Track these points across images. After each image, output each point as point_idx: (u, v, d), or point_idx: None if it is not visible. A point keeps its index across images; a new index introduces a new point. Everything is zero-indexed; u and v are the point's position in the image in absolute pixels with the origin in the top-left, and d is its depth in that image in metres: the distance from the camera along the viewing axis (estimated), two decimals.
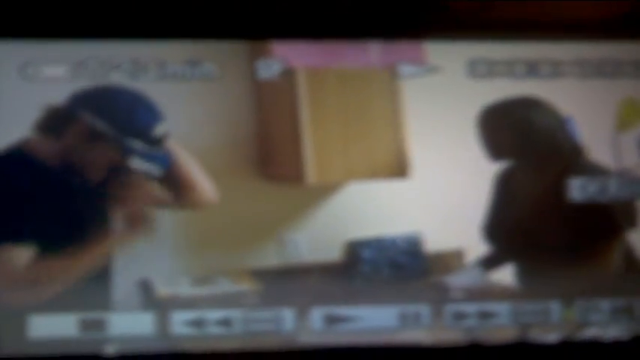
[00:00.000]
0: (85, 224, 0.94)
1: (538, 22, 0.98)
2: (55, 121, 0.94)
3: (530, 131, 1.00)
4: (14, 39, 0.95)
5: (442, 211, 0.99)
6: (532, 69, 1.00)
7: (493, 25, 0.98)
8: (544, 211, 0.99)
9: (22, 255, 0.91)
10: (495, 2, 0.96)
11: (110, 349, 0.94)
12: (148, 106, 0.94)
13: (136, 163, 0.93)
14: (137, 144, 0.92)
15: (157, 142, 0.93)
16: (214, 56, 0.97)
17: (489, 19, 0.97)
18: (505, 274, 1.01)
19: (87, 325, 0.93)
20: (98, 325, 0.94)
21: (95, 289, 0.94)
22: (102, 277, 0.95)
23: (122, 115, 0.93)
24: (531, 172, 1.01)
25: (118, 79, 0.95)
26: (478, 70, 1.00)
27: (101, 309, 0.94)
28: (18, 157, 0.94)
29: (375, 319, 0.97)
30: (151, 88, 0.95)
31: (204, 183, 0.96)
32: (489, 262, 1.01)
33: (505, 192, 1.00)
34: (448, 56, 0.99)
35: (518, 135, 1.00)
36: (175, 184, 0.96)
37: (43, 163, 0.94)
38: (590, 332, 0.99)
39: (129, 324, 0.94)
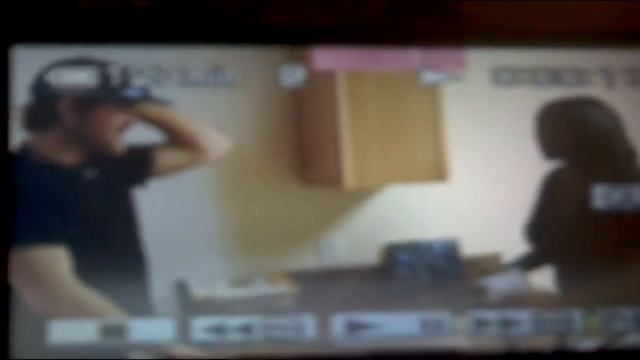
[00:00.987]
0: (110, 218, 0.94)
1: (562, 30, 0.99)
2: (37, 115, 0.94)
3: (584, 131, 1.01)
4: (37, 44, 0.95)
5: (479, 216, 0.99)
6: (556, 77, 1.01)
7: (518, 33, 0.98)
8: (588, 214, 1.00)
9: (60, 258, 0.91)
10: (519, 11, 0.97)
11: (133, 356, 0.94)
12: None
13: (143, 108, 0.94)
14: (131, 91, 0.93)
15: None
16: (236, 63, 0.98)
17: (514, 28, 0.98)
18: (545, 279, 1.01)
19: (108, 332, 0.93)
20: (119, 331, 0.93)
21: (134, 290, 0.95)
22: (140, 277, 0.95)
23: (99, 72, 0.94)
24: (582, 173, 1.01)
25: (140, 85, 0.96)
26: (502, 77, 1.00)
27: (139, 311, 0.94)
28: (26, 158, 0.94)
29: (396, 326, 0.97)
30: (174, 94, 0.96)
31: (211, 136, 0.96)
32: (528, 263, 1.00)
33: (552, 192, 1.00)
34: (474, 63, 1.00)
35: (573, 134, 1.01)
36: (185, 144, 0.96)
37: (53, 160, 0.94)
38: (627, 341, 0.99)
39: (150, 330, 0.94)
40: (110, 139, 0.95)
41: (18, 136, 0.94)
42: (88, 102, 0.94)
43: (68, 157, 0.94)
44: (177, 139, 0.96)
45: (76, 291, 0.92)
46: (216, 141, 0.96)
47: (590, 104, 1.00)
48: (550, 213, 1.00)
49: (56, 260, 0.91)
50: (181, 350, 0.94)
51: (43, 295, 0.92)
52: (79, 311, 0.93)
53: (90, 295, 0.92)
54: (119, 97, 0.95)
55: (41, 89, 0.94)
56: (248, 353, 0.95)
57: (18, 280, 0.92)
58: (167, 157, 0.96)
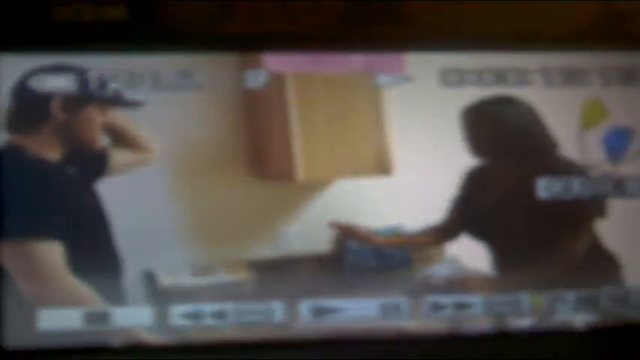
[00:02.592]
0: (90, 212, 1.02)
1: (505, 33, 1.04)
2: (25, 116, 1.01)
3: (503, 128, 1.07)
4: (21, 51, 1.01)
5: (423, 206, 1.05)
6: (500, 77, 1.07)
7: (463, 36, 1.05)
8: (516, 202, 1.06)
9: (54, 251, 0.99)
10: (465, 14, 1.03)
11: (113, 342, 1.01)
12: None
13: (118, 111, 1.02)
14: (106, 92, 1.01)
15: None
16: (204, 68, 1.04)
17: (460, 32, 1.04)
18: (482, 264, 1.07)
19: (91, 318, 1.01)
20: (101, 318, 1.01)
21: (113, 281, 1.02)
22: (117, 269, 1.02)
23: (77, 77, 1.01)
24: (507, 167, 1.07)
25: (117, 88, 1.03)
26: (450, 78, 1.07)
27: (118, 300, 1.02)
28: (10, 155, 1.00)
29: (358, 310, 1.04)
30: (146, 97, 1.03)
31: (146, 139, 1.03)
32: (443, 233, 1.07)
33: (478, 185, 1.06)
34: (422, 66, 1.06)
35: (492, 132, 1.07)
36: (130, 146, 1.04)
37: (40, 157, 1.01)
38: (559, 319, 1.06)
39: (131, 317, 1.02)
40: (93, 137, 1.03)
41: (3, 137, 1.00)
42: (75, 102, 1.01)
43: (54, 154, 1.01)
44: (126, 140, 1.03)
45: (67, 281, 0.99)
46: (153, 142, 1.03)
47: (505, 102, 1.06)
48: (481, 203, 1.07)
49: (49, 252, 0.98)
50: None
51: (38, 286, 0.99)
52: (70, 300, 1.00)
53: (79, 286, 0.99)
54: (96, 99, 1.02)
55: (25, 93, 1.01)
56: (223, 338, 1.02)
57: (12, 270, 0.99)
58: (119, 157, 1.03)
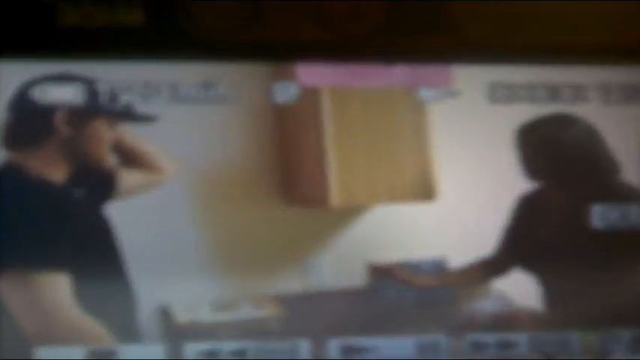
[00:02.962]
0: (99, 240, 0.92)
1: (559, 46, 0.96)
2: (26, 130, 0.91)
3: (562, 149, 0.99)
4: (22, 58, 0.91)
5: (468, 236, 0.97)
6: (554, 93, 0.99)
7: (514, 49, 0.96)
8: (571, 231, 0.98)
9: (60, 283, 0.89)
10: (515, 27, 0.95)
11: None
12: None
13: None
14: (115, 106, 0.92)
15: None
16: (229, 79, 0.95)
17: (510, 43, 0.96)
18: (530, 299, 1.00)
19: (96, 357, 0.91)
20: (108, 356, 0.91)
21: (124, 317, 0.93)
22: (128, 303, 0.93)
23: (86, 88, 0.92)
24: (563, 192, 0.99)
25: (129, 101, 0.93)
26: (498, 94, 0.98)
27: (129, 337, 0.93)
28: (10, 176, 0.91)
29: (392, 349, 0.95)
30: (163, 110, 0.93)
31: (160, 156, 0.95)
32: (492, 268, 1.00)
33: (533, 212, 0.99)
34: (469, 80, 0.98)
35: (550, 153, 0.99)
36: (142, 165, 0.95)
37: (44, 178, 0.91)
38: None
39: (140, 355, 0.92)
40: (102, 154, 0.94)
41: (0, 154, 0.91)
42: (83, 115, 0.91)
43: (58, 174, 0.92)
44: (135, 159, 0.95)
45: (73, 317, 0.90)
46: (165, 161, 0.95)
47: (562, 121, 0.98)
48: (535, 232, 1.00)
49: (53, 285, 0.89)
50: None
51: (40, 322, 0.90)
52: (76, 338, 0.90)
53: (87, 322, 0.90)
54: (106, 112, 0.92)
55: (26, 105, 0.91)
56: None
57: (11, 305, 0.89)
58: (128, 179, 0.95)
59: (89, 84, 0.92)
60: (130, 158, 0.95)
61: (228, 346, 0.93)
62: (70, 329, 0.90)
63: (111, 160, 0.94)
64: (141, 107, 0.93)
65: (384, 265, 0.98)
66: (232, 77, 0.94)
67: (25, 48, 0.91)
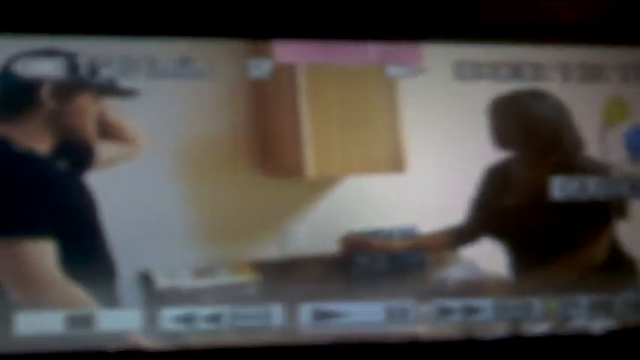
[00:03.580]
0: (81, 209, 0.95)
1: (521, 27, 1.01)
2: (11, 102, 0.93)
3: (532, 121, 1.04)
4: (2, 34, 0.94)
5: (437, 205, 1.01)
6: (516, 72, 1.03)
7: (478, 28, 1.01)
8: (537, 201, 1.02)
9: (45, 251, 0.91)
10: (481, 6, 1.00)
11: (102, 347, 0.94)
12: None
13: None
14: (99, 79, 0.94)
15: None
16: (205, 55, 0.98)
17: (476, 23, 1.00)
18: (498, 266, 1.03)
19: (74, 322, 0.93)
20: (86, 321, 0.93)
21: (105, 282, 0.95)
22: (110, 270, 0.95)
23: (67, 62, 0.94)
24: (530, 163, 1.03)
25: (108, 75, 0.96)
26: (464, 72, 1.03)
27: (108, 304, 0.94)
28: (1, 147, 0.93)
29: (362, 315, 0.99)
30: (142, 85, 0.97)
31: (134, 130, 0.97)
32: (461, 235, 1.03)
33: (503, 183, 1.03)
34: (437, 58, 1.02)
35: (522, 125, 1.04)
36: (119, 138, 0.97)
37: (29, 149, 0.93)
38: (574, 325, 1.02)
39: (117, 320, 0.94)
40: (87, 128, 0.96)
41: None
42: (68, 89, 0.94)
43: (43, 145, 0.94)
44: (112, 132, 0.97)
45: (58, 283, 0.92)
46: (141, 134, 0.97)
47: (536, 96, 1.03)
48: (502, 202, 1.03)
49: (39, 252, 0.91)
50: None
51: (26, 288, 0.92)
52: (60, 303, 0.92)
53: (71, 287, 0.92)
54: (89, 86, 0.95)
55: (11, 79, 0.93)
56: (217, 343, 0.96)
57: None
58: (106, 150, 0.97)
59: (71, 58, 0.95)
60: (108, 131, 0.97)
61: (203, 311, 0.96)
62: (54, 294, 0.92)
63: (94, 133, 0.96)
64: (122, 82, 0.96)
65: (358, 236, 1.01)
66: (209, 53, 0.98)
67: (8, 23, 0.93)
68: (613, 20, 1.03)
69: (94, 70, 0.95)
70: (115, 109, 0.97)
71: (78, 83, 0.94)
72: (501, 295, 1.01)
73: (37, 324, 0.92)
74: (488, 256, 1.03)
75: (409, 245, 1.01)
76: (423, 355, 0.99)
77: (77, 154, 0.96)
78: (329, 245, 1.00)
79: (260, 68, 0.99)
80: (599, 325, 1.02)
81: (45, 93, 0.93)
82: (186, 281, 0.97)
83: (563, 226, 1.02)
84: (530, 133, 1.04)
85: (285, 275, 0.99)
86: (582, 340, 1.02)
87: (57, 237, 0.91)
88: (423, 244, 1.01)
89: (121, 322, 0.94)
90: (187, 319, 0.95)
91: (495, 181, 1.02)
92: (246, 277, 0.98)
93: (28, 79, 0.93)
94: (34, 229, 0.91)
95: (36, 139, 0.94)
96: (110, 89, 0.96)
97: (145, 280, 0.96)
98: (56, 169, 0.95)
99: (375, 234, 1.01)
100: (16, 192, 0.91)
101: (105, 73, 0.96)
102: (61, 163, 0.95)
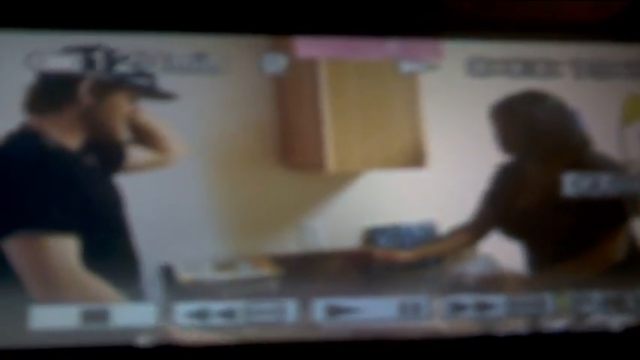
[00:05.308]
0: (108, 205, 0.95)
1: (535, 23, 1.02)
2: (48, 96, 0.94)
3: (535, 126, 1.04)
4: (19, 29, 0.95)
5: (456, 200, 1.02)
6: (528, 68, 1.04)
7: (492, 25, 1.02)
8: (552, 200, 1.03)
9: (68, 247, 0.91)
10: (495, 3, 1.01)
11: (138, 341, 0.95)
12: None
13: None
14: (139, 79, 0.95)
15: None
16: (220, 50, 0.99)
17: (488, 20, 1.02)
18: (516, 262, 1.04)
19: (89, 316, 0.93)
20: (101, 316, 0.94)
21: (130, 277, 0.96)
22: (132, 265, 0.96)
23: (83, 57, 0.95)
24: (539, 165, 1.04)
25: (124, 70, 0.97)
26: (476, 68, 1.04)
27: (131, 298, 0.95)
28: (28, 139, 0.93)
29: (375, 310, 0.99)
30: (158, 80, 0.98)
31: (173, 137, 0.98)
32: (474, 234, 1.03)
33: (515, 181, 1.03)
34: (449, 54, 1.04)
35: (524, 130, 1.04)
36: (152, 145, 0.98)
37: (60, 144, 0.94)
38: (592, 322, 1.02)
39: (132, 315, 0.95)
40: (117, 126, 0.96)
41: (18, 117, 0.94)
42: (106, 87, 0.95)
43: (74, 141, 0.94)
44: (146, 138, 0.98)
45: (83, 279, 0.92)
46: (178, 142, 0.98)
47: (537, 98, 1.04)
48: (516, 201, 1.04)
49: (65, 249, 0.91)
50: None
51: (50, 283, 0.91)
52: (81, 298, 0.93)
53: (92, 282, 0.92)
54: (128, 84, 0.96)
55: (51, 72, 0.94)
56: (231, 338, 0.96)
57: (18, 265, 0.91)
58: (137, 155, 0.98)
59: (86, 53, 0.96)
60: (142, 136, 0.98)
61: (217, 306, 0.96)
62: (74, 291, 0.92)
63: (124, 133, 0.97)
64: (161, 84, 0.97)
65: (363, 253, 1.01)
66: (224, 49, 0.99)
67: (28, 17, 0.95)
68: (626, 17, 1.03)
69: (109, 65, 0.96)
70: (148, 116, 0.98)
71: (118, 82, 0.95)
72: (518, 291, 1.01)
73: (52, 318, 0.93)
74: (507, 252, 1.04)
75: (421, 254, 1.02)
76: (436, 350, 0.99)
77: (106, 153, 0.97)
78: (348, 240, 1.01)
79: (275, 64, 1.00)
80: (617, 321, 1.02)
81: (84, 89, 0.94)
82: (208, 274, 0.97)
83: (579, 224, 1.03)
84: (534, 137, 1.04)
85: (304, 270, 1.00)
86: (600, 337, 1.02)
87: (81, 233, 0.92)
88: (435, 250, 1.02)
89: (137, 316, 0.95)
90: (202, 315, 0.96)
91: (506, 179, 1.03)
92: (266, 271, 0.99)
93: (69, 74, 0.94)
94: (58, 224, 0.91)
95: (68, 134, 0.94)
96: (149, 91, 0.96)
97: (167, 273, 0.97)
98: (84, 165, 0.95)
99: (395, 229, 1.01)
100: (43, 186, 0.92)
101: (121, 69, 0.96)
102: (90, 160, 0.95)
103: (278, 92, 1.01)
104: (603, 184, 1.03)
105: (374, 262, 1.01)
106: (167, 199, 0.97)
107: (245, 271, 0.98)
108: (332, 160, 1.00)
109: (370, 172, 1.02)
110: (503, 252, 1.03)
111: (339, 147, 1.00)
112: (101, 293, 0.93)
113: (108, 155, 0.96)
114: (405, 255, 1.01)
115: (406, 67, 1.02)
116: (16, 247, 0.90)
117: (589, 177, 1.03)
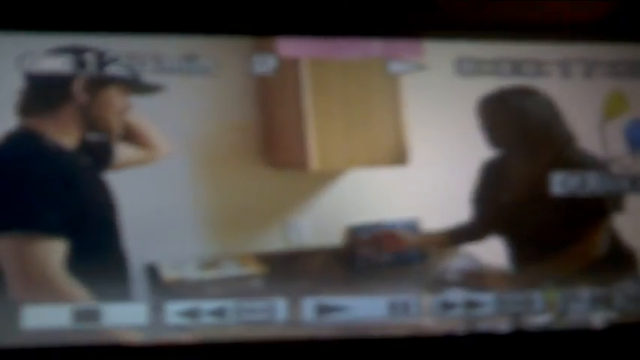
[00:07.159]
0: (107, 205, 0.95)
1: (523, 23, 1.03)
2: (42, 97, 0.94)
3: (525, 120, 1.05)
4: (11, 30, 0.95)
5: (439, 198, 1.02)
6: (516, 68, 1.05)
7: (481, 25, 1.03)
8: (535, 196, 1.04)
9: (55, 250, 0.91)
10: (484, 3, 1.01)
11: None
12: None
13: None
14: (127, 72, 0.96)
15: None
16: (210, 51, 0.99)
17: (477, 20, 1.02)
18: (499, 259, 1.04)
19: (81, 316, 0.94)
20: (92, 315, 0.94)
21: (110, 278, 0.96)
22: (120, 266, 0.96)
23: (74, 59, 0.95)
24: (525, 160, 1.05)
25: (115, 72, 0.97)
26: (465, 67, 1.04)
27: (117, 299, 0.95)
28: (27, 140, 0.94)
29: (365, 309, 1.00)
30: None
31: (158, 135, 0.98)
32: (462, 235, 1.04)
33: (500, 178, 1.04)
34: (438, 54, 1.04)
35: (514, 123, 1.05)
36: (139, 142, 0.98)
37: (58, 144, 0.94)
38: (575, 318, 1.03)
39: (123, 314, 0.95)
40: (112, 122, 0.97)
41: (12, 120, 0.94)
42: (98, 83, 0.95)
43: (70, 139, 0.95)
44: (133, 136, 0.98)
45: (64, 284, 0.92)
46: (162, 141, 0.98)
47: (525, 93, 1.04)
48: (500, 198, 1.04)
49: (51, 252, 0.91)
50: None
51: (32, 286, 0.92)
52: (64, 300, 0.93)
53: (76, 289, 0.93)
54: (116, 80, 0.97)
55: (42, 74, 0.94)
56: (222, 336, 0.97)
57: (5, 265, 0.92)
58: (124, 152, 0.98)
59: (78, 54, 0.96)
60: (130, 134, 0.98)
61: (207, 305, 0.97)
62: (56, 294, 0.93)
63: (119, 129, 0.98)
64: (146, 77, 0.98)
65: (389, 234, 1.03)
66: (214, 50, 1.00)
67: (20, 19, 0.95)
68: (613, 18, 1.04)
69: (101, 66, 0.96)
70: (137, 115, 0.98)
71: (109, 78, 0.96)
72: (502, 287, 1.02)
73: (43, 318, 0.93)
74: (489, 249, 1.04)
75: (419, 242, 1.03)
76: (425, 348, 1.00)
77: (99, 151, 0.97)
78: (332, 237, 1.01)
79: (265, 64, 1.00)
80: (599, 318, 1.03)
81: (78, 86, 0.94)
82: (193, 273, 0.98)
83: (561, 220, 1.03)
84: (522, 131, 1.05)
85: (289, 267, 1.00)
86: (583, 334, 1.02)
87: (73, 233, 0.92)
88: (427, 242, 1.03)
89: (127, 316, 0.95)
90: (192, 313, 0.96)
91: (491, 176, 1.03)
92: (251, 269, 1.00)
93: (60, 74, 0.95)
94: (51, 226, 0.91)
95: (65, 133, 0.95)
96: (134, 83, 0.97)
97: (152, 272, 0.97)
98: (80, 165, 0.95)
99: (378, 227, 1.02)
100: (38, 187, 0.92)
101: (112, 70, 0.97)
102: (85, 159, 0.96)
103: (262, 91, 1.01)
104: (591, 183, 1.04)
105: (403, 244, 1.01)
106: (152, 198, 0.97)
107: (230, 270, 0.99)
108: (315, 159, 1.01)
109: (354, 170, 1.03)
110: (486, 249, 1.04)
111: (323, 145, 1.01)
112: (81, 296, 0.93)
113: (100, 154, 0.96)
114: (412, 240, 1.02)
115: (395, 67, 1.03)
116: (5, 247, 0.91)
117: (577, 176, 1.03)
